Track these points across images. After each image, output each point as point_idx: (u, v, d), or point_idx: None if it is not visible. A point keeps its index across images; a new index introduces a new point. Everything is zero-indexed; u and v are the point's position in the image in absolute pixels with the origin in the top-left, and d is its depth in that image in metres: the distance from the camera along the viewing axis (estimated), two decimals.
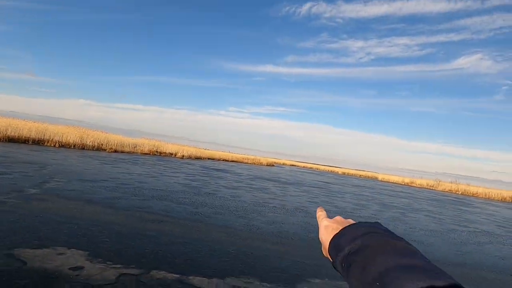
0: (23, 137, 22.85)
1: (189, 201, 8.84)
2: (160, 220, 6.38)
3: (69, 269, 3.61)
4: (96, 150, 26.67)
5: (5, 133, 21.90)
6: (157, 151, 34.26)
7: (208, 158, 42.19)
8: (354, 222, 0.57)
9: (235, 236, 6.03)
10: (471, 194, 39.76)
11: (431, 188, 44.77)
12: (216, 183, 14.55)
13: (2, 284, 3.09)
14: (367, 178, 57.37)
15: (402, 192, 28.34)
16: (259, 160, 51.68)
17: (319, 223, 0.65)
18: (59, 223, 5.23)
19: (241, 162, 46.59)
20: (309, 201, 12.61)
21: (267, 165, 49.93)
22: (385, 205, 15.26)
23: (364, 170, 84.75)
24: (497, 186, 59.60)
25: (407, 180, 49.77)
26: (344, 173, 65.74)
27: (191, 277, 3.86)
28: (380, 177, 57.40)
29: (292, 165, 76.58)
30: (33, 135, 23.44)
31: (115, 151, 28.42)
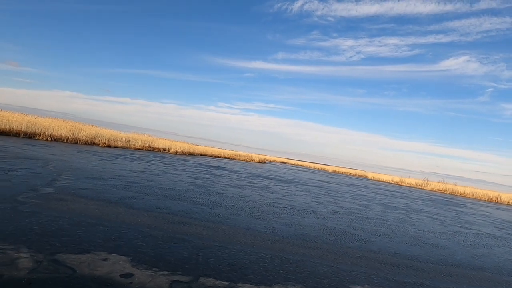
0: (14, 130, 22.16)
1: (202, 201, 8.76)
2: (185, 222, 6.30)
3: (120, 276, 3.53)
4: (89, 144, 26.12)
5: None
6: (150, 147, 33.79)
7: (201, 154, 41.95)
8: None
9: (262, 239, 6.01)
10: (458, 194, 40.76)
11: (420, 187, 45.69)
12: (219, 181, 14.47)
13: None
14: (357, 177, 58.13)
15: (395, 191, 28.82)
16: (251, 157, 51.65)
17: None
18: (89, 225, 5.09)
19: (233, 159, 46.49)
20: (315, 202, 12.68)
21: (259, 162, 49.95)
22: (386, 205, 15.48)
23: (352, 168, 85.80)
24: (480, 186, 61.37)
25: (396, 179, 50.63)
26: (334, 171, 66.38)
27: (240, 284, 3.83)
28: (369, 175, 58.17)
29: (283, 162, 76.87)
30: (24, 128, 22.75)
31: (108, 146, 27.88)
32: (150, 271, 3.79)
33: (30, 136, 22.75)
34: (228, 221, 6.94)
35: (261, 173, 25.59)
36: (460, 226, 12.00)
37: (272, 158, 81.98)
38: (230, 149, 60.83)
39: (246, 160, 48.62)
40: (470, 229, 11.75)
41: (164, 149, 34.91)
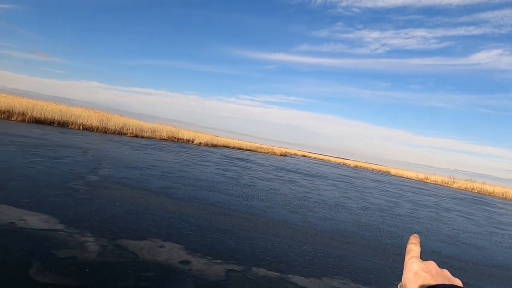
0: (48, 119, 23.12)
1: (236, 193, 8.93)
2: (225, 213, 6.48)
3: (179, 263, 3.71)
4: (117, 134, 26.92)
5: (31, 114, 22.21)
6: (174, 137, 34.42)
7: (223, 146, 42.37)
8: (453, 278, 0.47)
9: (302, 232, 6.11)
10: (487, 193, 39.37)
11: (446, 185, 44.43)
12: (247, 174, 14.64)
13: (130, 276, 3.19)
14: (380, 172, 57.14)
15: (422, 189, 28.21)
16: (273, 150, 51.67)
17: (406, 260, 0.53)
18: (139, 213, 5.34)
19: (255, 151, 46.69)
20: (344, 197, 12.65)
21: (280, 155, 49.94)
22: (415, 203, 15.24)
23: (375, 164, 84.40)
24: (509, 185, 58.98)
25: (421, 176, 49.44)
26: (356, 166, 65.51)
27: (290, 276, 3.94)
28: (393, 171, 57.11)
29: (304, 156, 76.52)
30: (58, 117, 23.71)
31: (136, 136, 28.63)
32: (204, 259, 3.96)
33: (63, 125, 23.71)
34: (265, 214, 7.07)
35: (284, 166, 25.64)
36: (495, 227, 11.67)
37: (293, 151, 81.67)
38: (251, 141, 61.15)
39: (268, 153, 48.71)
40: (506, 230, 11.42)
41: (188, 140, 35.48)
